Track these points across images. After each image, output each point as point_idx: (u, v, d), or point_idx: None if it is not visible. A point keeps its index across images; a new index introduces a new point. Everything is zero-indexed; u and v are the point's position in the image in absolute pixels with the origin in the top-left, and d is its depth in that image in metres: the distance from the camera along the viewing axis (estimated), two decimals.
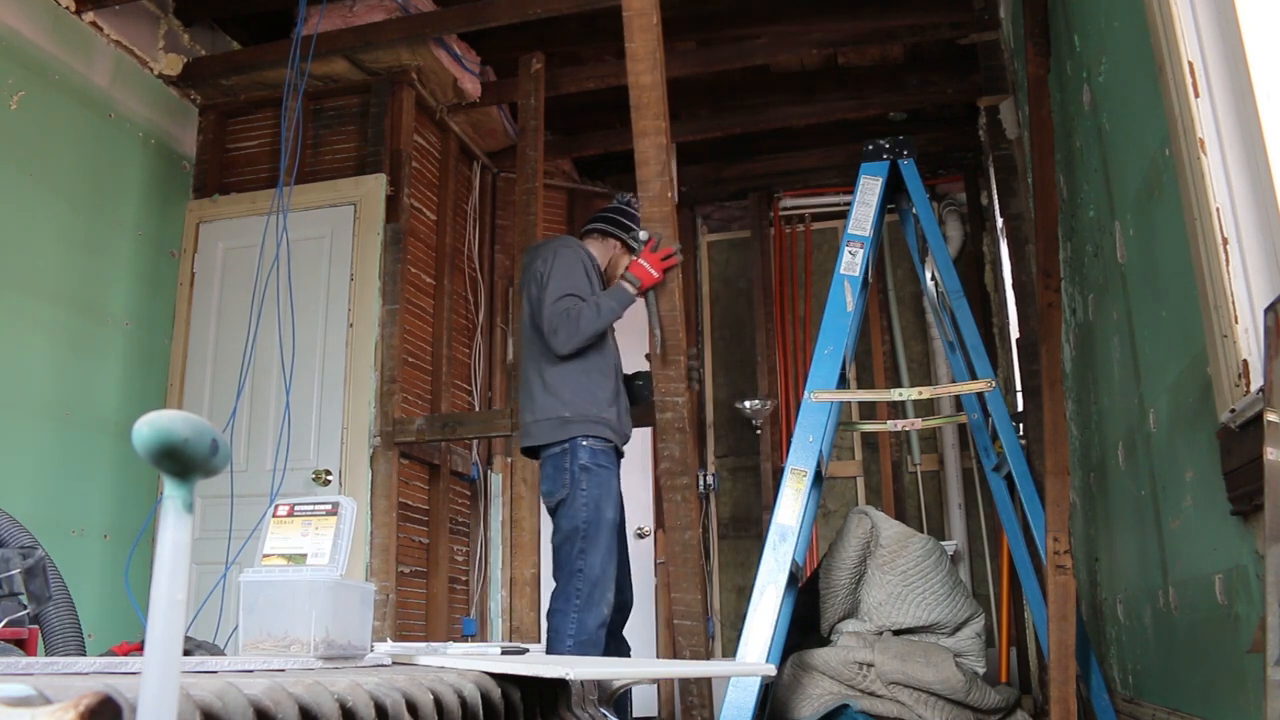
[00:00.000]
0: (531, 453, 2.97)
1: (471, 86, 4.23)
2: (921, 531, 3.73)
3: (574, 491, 2.81)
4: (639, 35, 2.81)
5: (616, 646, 2.93)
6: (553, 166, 4.90)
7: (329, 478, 3.66)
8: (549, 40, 4.14)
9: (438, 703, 0.97)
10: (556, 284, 2.88)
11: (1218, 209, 1.56)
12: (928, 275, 3.79)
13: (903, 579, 3.05)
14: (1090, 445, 3.04)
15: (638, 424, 3.14)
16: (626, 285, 2.83)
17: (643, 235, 2.86)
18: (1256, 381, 1.46)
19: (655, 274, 2.81)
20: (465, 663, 1.22)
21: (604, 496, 2.81)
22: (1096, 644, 3.04)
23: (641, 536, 4.87)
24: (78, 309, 3.52)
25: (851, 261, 3.00)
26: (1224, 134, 1.59)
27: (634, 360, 3.28)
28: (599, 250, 3.12)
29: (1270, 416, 1.22)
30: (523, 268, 3.14)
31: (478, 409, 4.51)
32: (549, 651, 2.69)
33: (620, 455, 2.97)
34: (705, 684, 2.86)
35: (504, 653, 1.67)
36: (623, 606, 2.94)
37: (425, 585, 3.95)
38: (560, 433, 2.84)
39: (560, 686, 1.31)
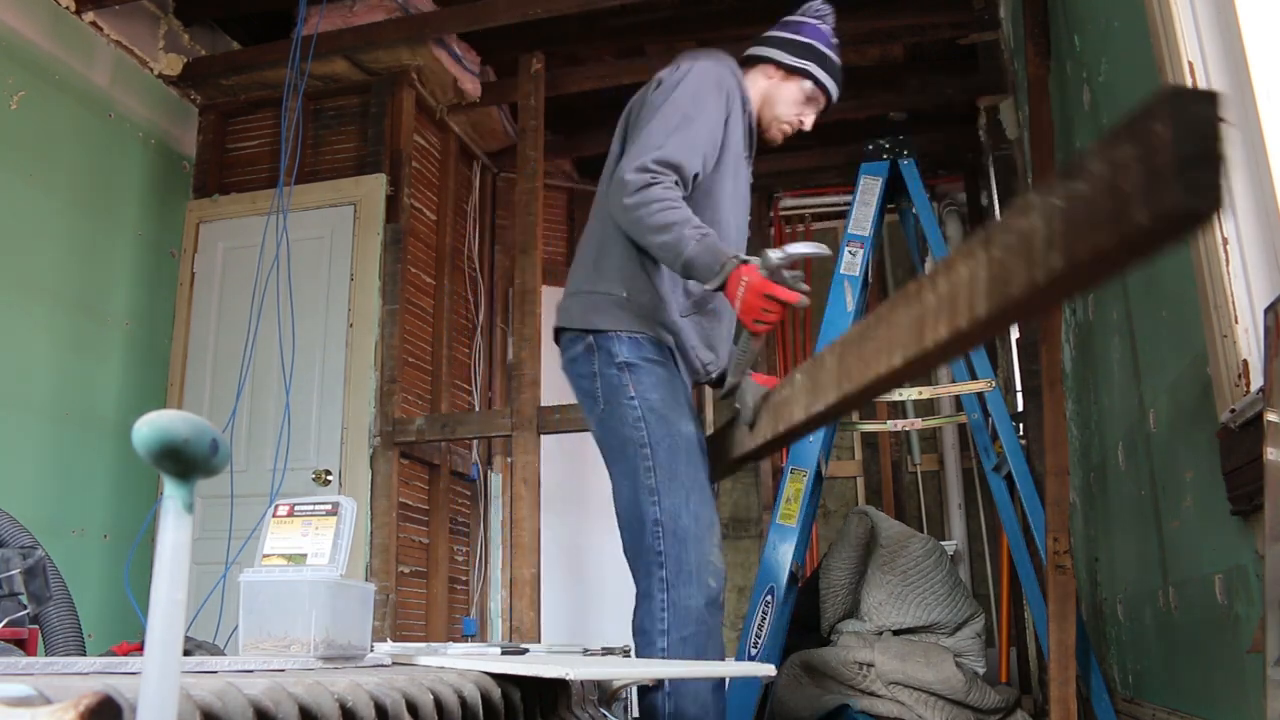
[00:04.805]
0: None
1: (472, 86, 4.23)
2: (921, 531, 3.73)
3: (613, 404, 1.82)
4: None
5: None
6: (553, 166, 4.90)
7: (329, 478, 3.66)
8: (549, 40, 4.14)
9: (438, 703, 0.97)
10: (658, 132, 1.84)
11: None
12: None
13: (903, 579, 3.05)
14: (1090, 445, 3.04)
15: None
16: (712, 270, 1.71)
17: (774, 255, 1.68)
18: (1256, 381, 1.46)
19: (738, 305, 1.69)
20: (465, 663, 1.22)
21: (667, 400, 1.81)
22: (1096, 644, 3.04)
23: None
24: (78, 309, 3.52)
25: (851, 261, 3.00)
26: None
27: None
28: (753, 86, 2.05)
29: (1270, 416, 1.22)
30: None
31: (478, 409, 4.50)
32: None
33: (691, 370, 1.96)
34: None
35: (504, 653, 1.67)
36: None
37: (425, 585, 3.95)
38: (588, 317, 1.88)
39: (560, 686, 1.31)
